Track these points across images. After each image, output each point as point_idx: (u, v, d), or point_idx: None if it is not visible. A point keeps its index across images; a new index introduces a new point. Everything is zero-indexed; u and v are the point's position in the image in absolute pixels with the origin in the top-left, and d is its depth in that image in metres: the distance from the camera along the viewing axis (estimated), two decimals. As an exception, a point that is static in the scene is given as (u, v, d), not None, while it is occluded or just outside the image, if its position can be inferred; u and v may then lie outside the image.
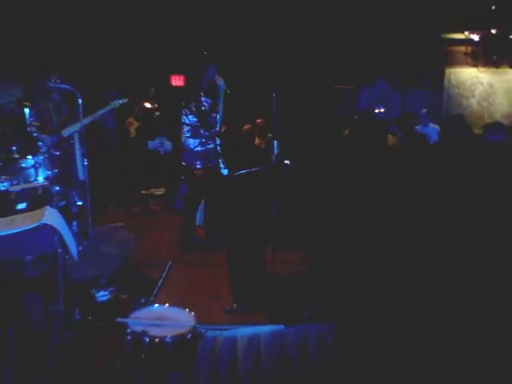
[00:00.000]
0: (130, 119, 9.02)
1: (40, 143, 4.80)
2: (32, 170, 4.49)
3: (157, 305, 3.07)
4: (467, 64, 10.13)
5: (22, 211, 3.04)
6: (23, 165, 4.47)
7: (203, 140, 5.26)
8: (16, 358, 2.68)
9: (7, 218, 2.85)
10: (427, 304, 3.48)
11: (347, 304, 3.66)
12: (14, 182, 4.07)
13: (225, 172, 5.31)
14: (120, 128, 8.76)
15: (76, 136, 5.34)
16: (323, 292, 3.86)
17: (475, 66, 10.10)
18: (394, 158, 5.90)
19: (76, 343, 3.16)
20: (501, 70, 9.98)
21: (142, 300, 3.65)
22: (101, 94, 6.51)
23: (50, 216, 2.78)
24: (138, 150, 8.42)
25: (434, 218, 3.98)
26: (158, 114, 9.15)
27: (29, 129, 4.92)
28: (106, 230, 5.53)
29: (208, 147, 5.29)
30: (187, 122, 5.27)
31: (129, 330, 2.72)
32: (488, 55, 9.70)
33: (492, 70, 10.12)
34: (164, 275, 4.47)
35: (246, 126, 5.66)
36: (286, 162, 5.57)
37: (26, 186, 3.92)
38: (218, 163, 5.33)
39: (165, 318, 2.89)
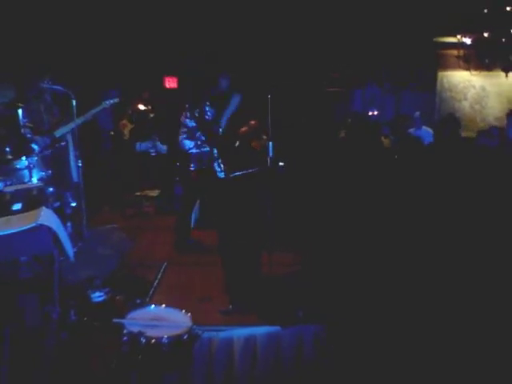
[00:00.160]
0: (124, 121, 8.99)
1: (33, 144, 4.78)
2: (26, 171, 4.49)
3: (153, 306, 3.06)
4: (459, 67, 10.20)
5: (18, 212, 3.02)
6: (17, 166, 4.46)
7: (199, 142, 5.26)
8: (12, 358, 2.67)
9: (3, 219, 2.84)
10: (421, 304, 3.50)
11: (343, 305, 3.68)
12: (8, 183, 4.06)
13: (221, 175, 5.31)
14: (114, 130, 8.74)
15: (69, 138, 5.32)
16: (318, 293, 3.87)
17: (467, 69, 10.17)
18: (388, 160, 5.94)
19: (72, 344, 3.15)
20: (493, 73, 10.06)
21: (138, 301, 3.65)
22: (94, 95, 6.49)
23: (46, 217, 2.77)
24: (131, 151, 8.40)
25: (428, 219, 4.01)
26: (152, 115, 9.13)
27: (22, 130, 4.89)
28: (101, 231, 5.52)
29: (203, 150, 5.29)
30: (186, 124, 5.27)
31: (125, 331, 2.71)
32: (480, 58, 9.77)
33: (484, 73, 10.20)
34: (159, 276, 4.47)
35: (243, 128, 5.65)
36: (280, 163, 5.59)
37: (20, 186, 3.89)
38: (213, 166, 5.32)
39: (161, 319, 2.89)
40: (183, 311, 2.95)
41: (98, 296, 3.72)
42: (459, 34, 9.52)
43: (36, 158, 4.65)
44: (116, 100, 5.46)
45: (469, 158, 4.46)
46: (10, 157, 4.44)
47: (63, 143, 5.19)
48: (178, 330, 2.76)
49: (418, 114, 8.20)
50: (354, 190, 5.18)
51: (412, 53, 9.47)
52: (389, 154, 6.43)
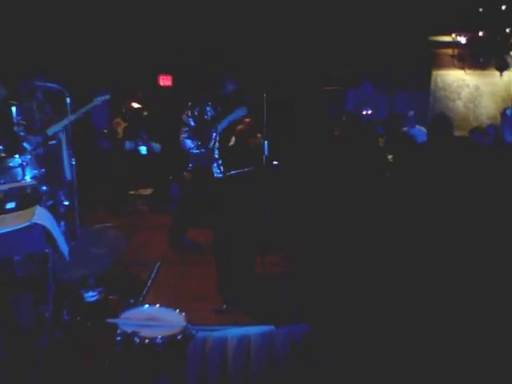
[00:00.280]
0: (118, 119, 8.95)
1: (25, 143, 4.75)
2: (19, 169, 4.46)
3: (147, 305, 3.04)
4: (454, 66, 10.21)
5: (12, 211, 3.00)
6: (10, 164, 4.43)
7: (199, 143, 5.24)
8: (5, 358, 2.65)
9: (-4, 218, 2.82)
10: (414, 301, 3.51)
11: (335, 305, 3.68)
12: (1, 181, 4.04)
13: (218, 176, 5.28)
14: (108, 128, 8.71)
15: (63, 136, 5.30)
16: (311, 293, 3.88)
17: (462, 68, 10.18)
18: (383, 158, 5.95)
19: (65, 344, 3.13)
20: (487, 72, 10.08)
21: (132, 300, 3.64)
22: (87, 92, 6.46)
23: (41, 215, 2.75)
24: (125, 150, 8.37)
25: (423, 217, 4.01)
26: (145, 113, 9.10)
27: (16, 128, 4.86)
28: (94, 230, 5.50)
29: (202, 150, 5.26)
30: (188, 123, 5.25)
31: (119, 331, 2.69)
32: (475, 58, 9.79)
33: (478, 72, 10.22)
34: (153, 276, 4.46)
35: (239, 126, 5.64)
36: (274, 162, 5.59)
37: (13, 185, 3.87)
38: (211, 167, 5.29)
39: (155, 319, 2.87)
40: (177, 311, 2.94)
41: (91, 295, 3.70)
42: (454, 33, 9.53)
43: (29, 157, 4.62)
44: (107, 96, 5.42)
45: (463, 157, 4.47)
46: (2, 155, 4.41)
47: (56, 141, 5.16)
48: (172, 330, 2.74)
49: (411, 113, 8.21)
50: (348, 189, 5.19)
51: (406, 52, 9.47)
52: (383, 153, 6.45)
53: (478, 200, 3.89)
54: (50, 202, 4.76)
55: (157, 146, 8.31)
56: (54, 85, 4.97)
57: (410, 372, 3.16)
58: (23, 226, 2.65)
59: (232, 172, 4.47)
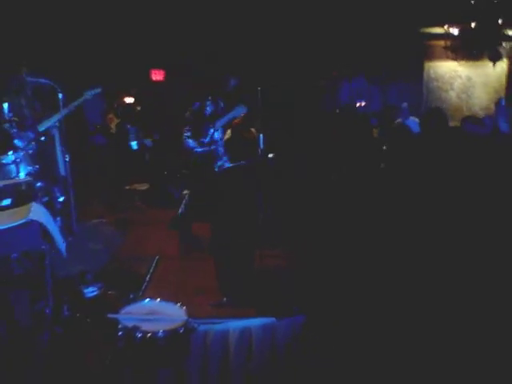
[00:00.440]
0: (111, 115, 8.92)
1: (17, 140, 4.70)
2: (13, 166, 4.41)
3: (147, 300, 3.03)
4: (447, 57, 10.24)
5: (7, 208, 2.98)
6: (3, 161, 4.38)
7: (200, 141, 5.19)
8: (5, 356, 2.63)
9: (-8, 215, 2.79)
10: (412, 297, 3.51)
11: (332, 297, 3.68)
12: (-5, 178, 3.99)
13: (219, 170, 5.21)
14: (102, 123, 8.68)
15: (56, 132, 5.25)
16: (311, 285, 3.87)
17: (455, 59, 10.21)
18: (378, 150, 5.95)
19: (66, 340, 3.11)
20: (479, 63, 10.12)
21: (131, 295, 3.62)
22: (79, 88, 6.41)
23: (37, 212, 2.73)
24: (118, 145, 8.33)
25: (418, 209, 4.01)
26: (139, 108, 9.07)
27: (8, 124, 4.81)
28: (91, 225, 5.47)
29: (206, 148, 5.21)
30: (188, 120, 5.21)
31: (120, 326, 2.68)
32: (467, 49, 9.81)
33: (470, 63, 10.25)
34: (151, 270, 4.44)
35: (235, 120, 5.61)
36: (269, 155, 5.57)
37: (8, 181, 3.84)
38: (215, 164, 5.21)
39: (156, 313, 2.85)
40: (178, 304, 2.92)
41: (90, 291, 3.69)
42: (446, 24, 9.54)
43: (22, 153, 4.57)
44: (98, 90, 5.36)
45: (459, 147, 4.47)
46: (-5, 152, 4.37)
47: (47, 137, 5.11)
48: (173, 324, 2.73)
49: (405, 104, 8.22)
50: (343, 181, 5.18)
51: (399, 44, 9.48)
52: (377, 144, 6.45)
53: (476, 190, 3.89)
54: (46, 199, 4.72)
55: (148, 141, 8.28)
56: (45, 80, 4.92)
57: (408, 364, 3.17)
58: (19, 222, 2.62)
59: (227, 166, 4.44)
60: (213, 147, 5.22)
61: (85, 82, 7.23)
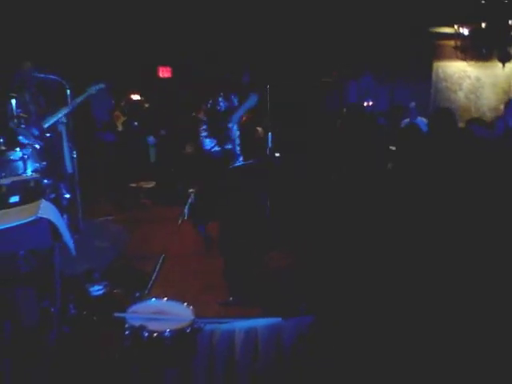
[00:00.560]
0: (117, 113, 8.92)
1: (22, 136, 4.69)
2: (20, 163, 4.40)
3: (154, 299, 3.02)
4: (456, 58, 10.18)
5: (16, 205, 2.96)
6: (11, 157, 4.37)
7: (218, 140, 5.07)
8: (12, 354, 2.62)
9: (0, 212, 2.78)
10: (415, 296, 3.49)
11: (338, 297, 3.66)
12: (2, 175, 3.98)
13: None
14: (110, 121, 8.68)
15: (63, 128, 5.25)
16: (316, 285, 3.86)
17: (464, 59, 10.15)
18: (384, 149, 5.92)
19: (72, 338, 3.11)
20: (488, 63, 10.05)
21: (137, 294, 3.61)
22: (86, 84, 6.41)
23: (46, 209, 2.71)
24: (124, 143, 8.34)
25: (424, 211, 3.99)
26: (147, 106, 9.07)
27: (16, 120, 4.81)
28: (97, 223, 5.47)
29: (226, 147, 5.09)
30: (202, 119, 5.14)
31: (127, 325, 2.67)
32: (477, 49, 9.75)
33: (479, 63, 10.19)
34: (157, 268, 4.42)
35: (244, 118, 5.57)
36: (276, 154, 5.55)
37: (16, 178, 3.82)
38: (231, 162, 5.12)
39: (163, 312, 2.84)
40: (185, 304, 2.91)
41: (96, 290, 3.67)
42: (456, 24, 9.48)
43: (30, 150, 4.56)
44: (102, 86, 5.33)
45: (467, 148, 4.44)
46: (3, 148, 4.36)
47: (53, 134, 5.11)
48: (180, 324, 2.72)
49: (413, 104, 8.18)
50: (350, 181, 5.16)
51: (408, 43, 9.43)
52: (385, 144, 6.42)
53: (484, 191, 3.86)
54: (53, 195, 4.71)
55: (151, 139, 8.27)
56: (54, 76, 4.92)
57: (413, 365, 3.15)
58: (28, 220, 2.60)
59: (237, 164, 4.42)
60: (230, 146, 5.10)
61: (91, 79, 7.27)
